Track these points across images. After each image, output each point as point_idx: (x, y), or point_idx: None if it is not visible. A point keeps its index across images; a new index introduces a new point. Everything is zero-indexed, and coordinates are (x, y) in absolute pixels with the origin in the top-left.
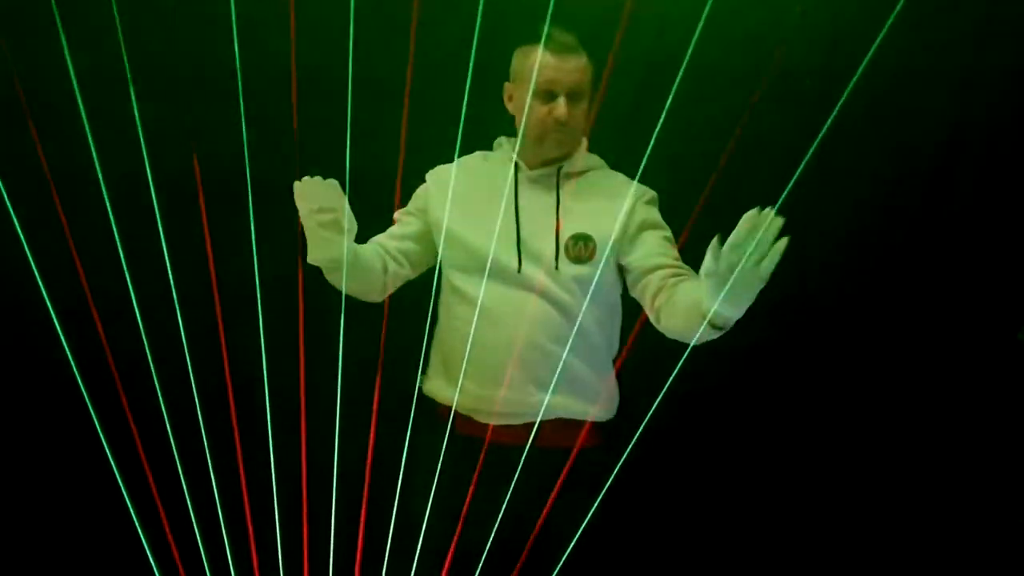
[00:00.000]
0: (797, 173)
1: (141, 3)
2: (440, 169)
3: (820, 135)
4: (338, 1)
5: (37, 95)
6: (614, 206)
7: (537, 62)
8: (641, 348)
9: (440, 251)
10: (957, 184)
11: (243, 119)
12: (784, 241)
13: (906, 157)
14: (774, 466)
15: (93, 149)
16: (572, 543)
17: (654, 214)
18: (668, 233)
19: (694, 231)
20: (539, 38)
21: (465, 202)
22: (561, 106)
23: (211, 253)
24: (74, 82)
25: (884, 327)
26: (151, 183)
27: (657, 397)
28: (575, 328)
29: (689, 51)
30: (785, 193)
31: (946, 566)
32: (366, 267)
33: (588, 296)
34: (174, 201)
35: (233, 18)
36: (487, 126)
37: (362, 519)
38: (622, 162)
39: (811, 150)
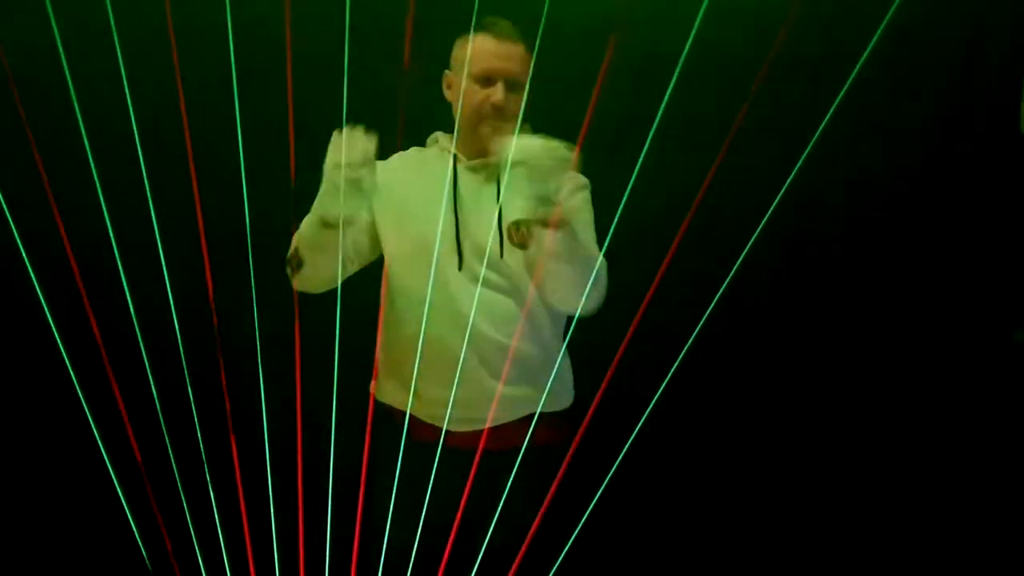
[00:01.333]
0: (793, 172)
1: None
2: (378, 164)
3: (816, 134)
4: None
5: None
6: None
7: (476, 47)
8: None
9: (382, 248)
10: (954, 183)
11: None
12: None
13: (903, 156)
14: (773, 466)
15: (86, 142)
16: (566, 547)
17: (578, 200)
18: (586, 217)
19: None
20: (480, 27)
21: (404, 197)
22: (499, 91)
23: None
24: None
25: (881, 327)
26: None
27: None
28: (527, 316)
29: (684, 53)
30: (782, 192)
31: (944, 566)
32: (336, 250)
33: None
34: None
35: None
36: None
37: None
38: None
39: (806, 151)
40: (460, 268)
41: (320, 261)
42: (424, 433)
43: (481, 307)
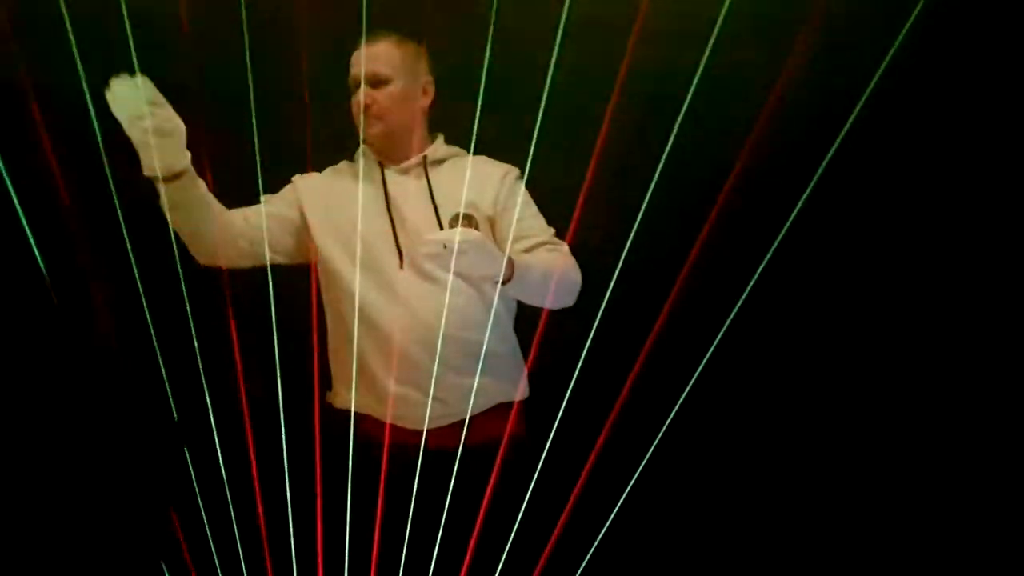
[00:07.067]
0: (815, 179)
1: None
2: (307, 176)
3: (835, 142)
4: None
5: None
6: (484, 182)
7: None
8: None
9: (318, 259)
10: (966, 182)
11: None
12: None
13: (913, 154)
14: (774, 466)
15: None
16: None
17: (520, 189)
18: (534, 208)
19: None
20: None
21: (336, 206)
22: (359, 93)
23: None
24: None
25: (887, 327)
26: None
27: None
28: (478, 307)
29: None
30: (804, 198)
31: (947, 567)
32: (203, 200)
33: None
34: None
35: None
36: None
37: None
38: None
39: (826, 158)
40: (402, 267)
41: (179, 219)
42: (376, 431)
43: (427, 302)
